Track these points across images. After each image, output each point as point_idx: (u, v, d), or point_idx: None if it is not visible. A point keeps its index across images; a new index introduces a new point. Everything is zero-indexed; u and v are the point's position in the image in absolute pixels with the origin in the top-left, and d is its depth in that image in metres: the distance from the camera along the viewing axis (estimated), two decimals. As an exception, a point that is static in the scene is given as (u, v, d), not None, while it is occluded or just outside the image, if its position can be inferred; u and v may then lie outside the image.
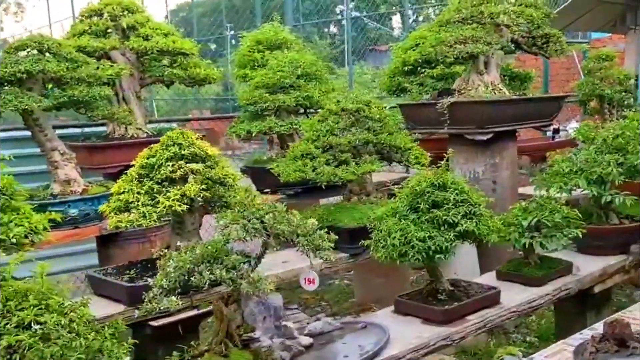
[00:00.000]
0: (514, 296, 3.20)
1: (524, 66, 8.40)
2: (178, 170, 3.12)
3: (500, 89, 4.84)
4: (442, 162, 3.00)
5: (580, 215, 3.45)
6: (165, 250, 2.44)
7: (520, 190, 5.36)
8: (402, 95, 6.03)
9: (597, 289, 3.60)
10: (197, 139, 3.26)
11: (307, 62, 5.18)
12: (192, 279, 2.21)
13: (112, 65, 4.69)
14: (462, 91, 4.84)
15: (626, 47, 8.25)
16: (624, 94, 5.99)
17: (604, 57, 6.16)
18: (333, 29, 26.18)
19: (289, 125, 4.99)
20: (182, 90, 20.06)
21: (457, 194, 2.91)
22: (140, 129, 5.01)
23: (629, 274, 3.85)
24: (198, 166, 3.15)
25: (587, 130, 4.09)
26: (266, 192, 5.16)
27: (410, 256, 2.79)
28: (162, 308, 2.15)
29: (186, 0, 22.25)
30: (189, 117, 10.44)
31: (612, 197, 3.67)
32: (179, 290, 2.22)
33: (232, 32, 17.55)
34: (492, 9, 4.80)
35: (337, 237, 2.62)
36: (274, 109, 5.11)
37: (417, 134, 4.62)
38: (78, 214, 3.92)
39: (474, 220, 2.89)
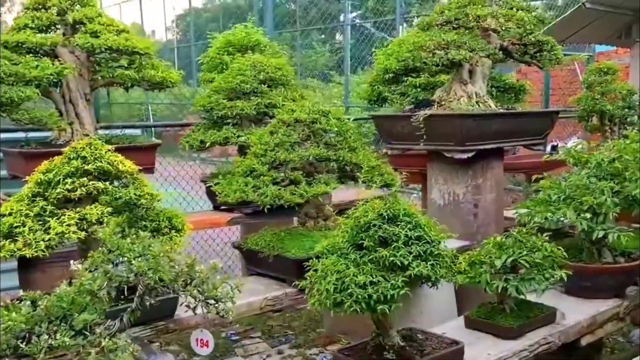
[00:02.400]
0: (481, 353, 2.63)
1: (525, 79, 7.86)
2: (79, 189, 2.60)
3: (486, 101, 4.29)
4: (392, 189, 2.46)
5: (565, 253, 2.89)
6: (10, 301, 1.89)
7: (508, 213, 4.82)
8: (383, 105, 5.51)
9: (584, 342, 3.03)
10: (108, 151, 2.74)
11: (272, 65, 4.63)
12: (23, 346, 1.67)
13: (54, 64, 4.20)
14: (443, 103, 4.30)
15: (631, 61, 7.72)
16: (626, 110, 5.43)
17: (605, 70, 5.61)
18: (339, 37, 25.67)
19: (248, 136, 4.44)
20: (181, 94, 19.70)
21: (410, 229, 2.37)
22: (87, 135, 4.50)
23: (623, 322, 3.28)
24: (104, 185, 2.63)
25: (580, 152, 3.54)
26: (222, 210, 4.65)
27: (346, 306, 2.24)
28: (-25, 386, 1.63)
29: (193, 5, 21.85)
30: (149, 124, 9.92)
31: (605, 232, 3.11)
32: (8, 357, 1.68)
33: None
34: (479, 11, 4.25)
35: (241, 288, 2.07)
36: (233, 117, 4.59)
37: (386, 150, 4.08)
38: (-13, 232, 3.40)
39: (429, 263, 2.35)
